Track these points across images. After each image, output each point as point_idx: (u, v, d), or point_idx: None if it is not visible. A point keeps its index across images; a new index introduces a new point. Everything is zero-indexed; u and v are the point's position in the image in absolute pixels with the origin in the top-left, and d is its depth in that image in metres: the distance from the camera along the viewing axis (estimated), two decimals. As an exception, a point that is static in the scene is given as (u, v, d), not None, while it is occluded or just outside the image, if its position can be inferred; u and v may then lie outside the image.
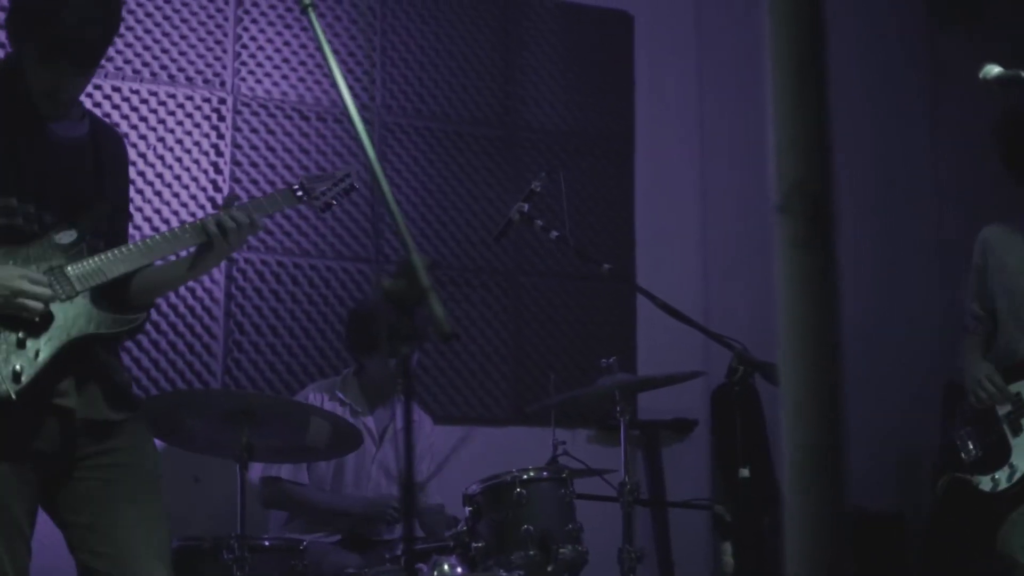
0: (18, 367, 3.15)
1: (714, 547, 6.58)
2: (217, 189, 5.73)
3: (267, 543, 4.49)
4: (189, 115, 5.73)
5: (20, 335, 3.19)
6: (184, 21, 5.77)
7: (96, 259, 3.37)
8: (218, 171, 5.76)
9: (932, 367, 7.03)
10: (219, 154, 5.77)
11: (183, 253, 3.64)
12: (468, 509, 4.43)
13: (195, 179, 5.70)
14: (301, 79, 6.01)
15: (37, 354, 3.21)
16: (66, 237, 3.35)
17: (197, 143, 5.73)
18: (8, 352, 3.16)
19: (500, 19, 6.56)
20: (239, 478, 4.12)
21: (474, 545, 4.33)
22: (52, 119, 3.42)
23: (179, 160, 5.69)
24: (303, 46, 6.04)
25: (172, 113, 5.69)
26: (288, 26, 6.02)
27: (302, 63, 6.02)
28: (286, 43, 6.01)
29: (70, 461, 3.30)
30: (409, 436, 2.36)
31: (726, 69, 7.01)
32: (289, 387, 5.68)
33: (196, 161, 5.71)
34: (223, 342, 5.65)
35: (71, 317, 3.28)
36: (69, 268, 3.30)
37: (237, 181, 5.78)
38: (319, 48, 2.60)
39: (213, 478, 5.46)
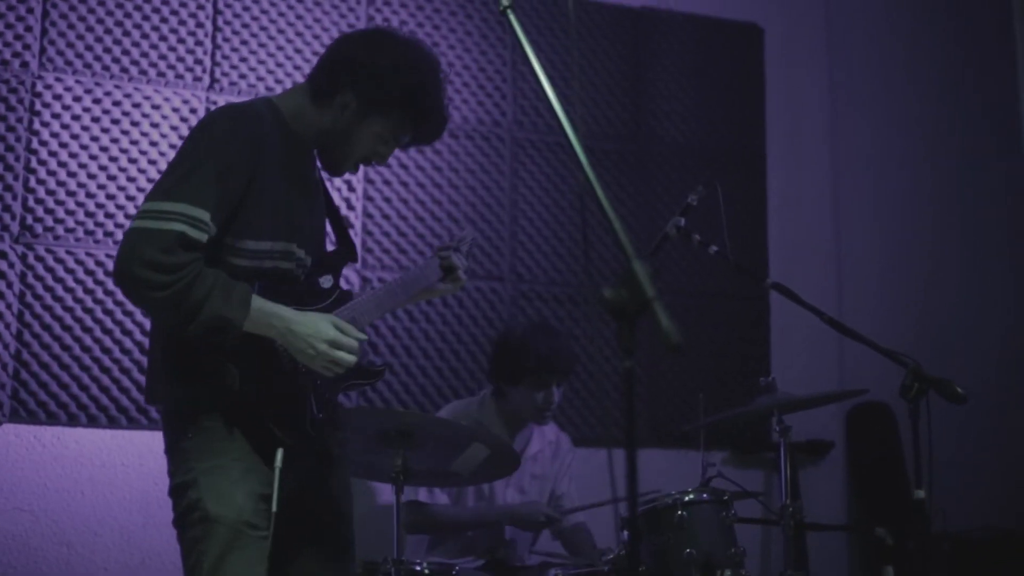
0: (316, 410, 3.26)
1: (853, 571, 6.43)
2: (350, 207, 5.66)
3: (418, 567, 4.38)
4: (322, 131, 5.66)
5: (318, 380, 3.26)
6: (316, 37, 5.70)
7: (353, 306, 3.42)
8: (351, 189, 5.70)
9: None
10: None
11: None
12: (626, 532, 4.30)
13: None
14: (433, 95, 5.94)
15: (327, 400, 3.31)
16: (326, 282, 3.39)
17: (329, 161, 5.66)
18: (308, 393, 3.23)
19: (630, 33, 6.45)
20: (395, 501, 4.02)
21: (634, 569, 4.20)
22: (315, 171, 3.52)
23: (312, 177, 5.62)
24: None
25: (305, 130, 5.63)
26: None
27: (433, 79, 5.95)
28: (418, 58, 5.93)
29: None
30: (633, 468, 2.25)
31: (858, 81, 6.88)
32: (424, 407, 5.60)
33: (328, 180, 5.63)
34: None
35: None
36: (333, 316, 3.31)
37: (370, 199, 5.72)
38: (523, 55, 2.50)
39: (357, 502, 5.37)
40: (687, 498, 4.25)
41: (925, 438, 3.94)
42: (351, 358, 3.23)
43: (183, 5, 5.53)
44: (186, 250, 3.01)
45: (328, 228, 3.62)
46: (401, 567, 3.98)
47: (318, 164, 3.53)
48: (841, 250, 6.79)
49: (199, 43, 5.53)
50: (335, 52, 3.44)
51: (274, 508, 3.06)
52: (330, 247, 3.60)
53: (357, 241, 5.64)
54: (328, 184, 5.52)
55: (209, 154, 3.14)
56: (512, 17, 2.62)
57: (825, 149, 6.85)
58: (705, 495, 4.33)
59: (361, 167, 3.61)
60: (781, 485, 4.41)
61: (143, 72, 5.41)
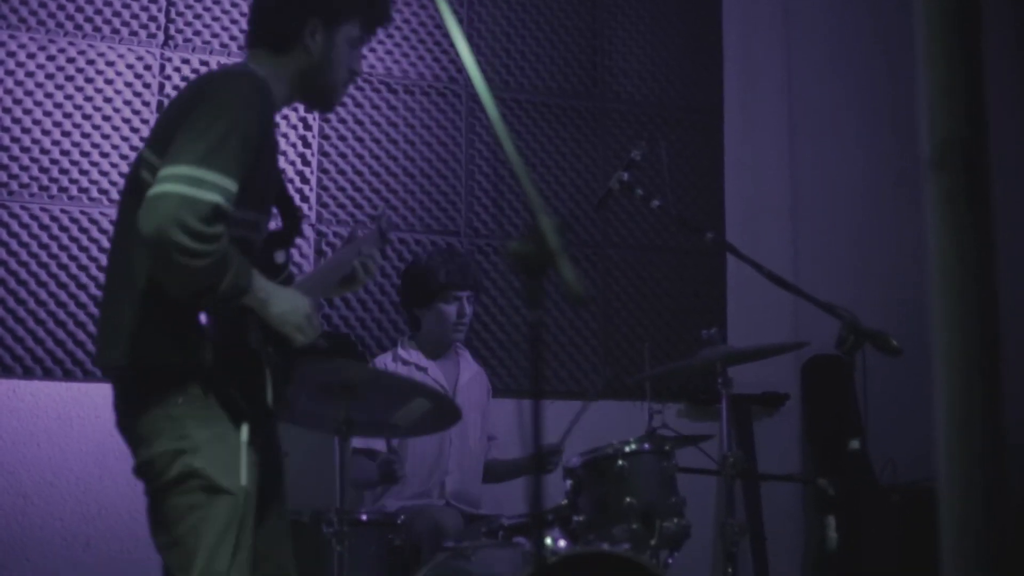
0: (277, 386, 3.21)
1: (805, 521, 6.51)
2: (306, 163, 5.71)
3: (364, 517, 4.45)
4: (277, 88, 5.69)
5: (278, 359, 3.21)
6: (271, -6, 5.72)
7: (299, 284, 3.42)
8: (307, 144, 5.73)
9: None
10: (307, 127, 5.74)
11: None
12: (569, 482, 4.37)
13: (283, 153, 5.66)
14: (388, 52, 5.98)
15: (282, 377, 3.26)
16: (280, 257, 3.35)
17: (285, 116, 5.70)
18: (267, 370, 3.18)
19: (587, -11, 6.49)
20: (337, 452, 4.07)
21: (575, 519, 4.27)
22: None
23: (267, 134, 5.65)
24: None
25: (260, 86, 5.65)
26: (374, -2, 5.97)
27: (389, 36, 5.98)
28: (372, 15, 5.95)
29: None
30: (538, 418, 2.29)
31: (815, 37, 6.92)
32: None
33: (284, 135, 5.69)
34: (314, 317, 5.62)
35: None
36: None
37: (326, 155, 5.76)
38: (440, 14, 2.50)
39: (302, 452, 5.44)
40: (627, 448, 4.31)
41: (862, 390, 4.02)
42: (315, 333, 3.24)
43: (137, -39, 5.55)
44: (220, 222, 2.93)
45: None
46: (344, 517, 4.03)
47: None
48: (797, 207, 6.84)
49: (153, 0, 5.55)
50: None
51: (243, 483, 3.05)
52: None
53: (312, 196, 5.68)
54: (281, 139, 5.62)
55: (238, 122, 3.04)
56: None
57: (782, 106, 6.89)
58: (646, 445, 4.39)
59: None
60: (723, 436, 4.47)
61: (97, 29, 5.44)
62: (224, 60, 5.56)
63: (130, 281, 3.15)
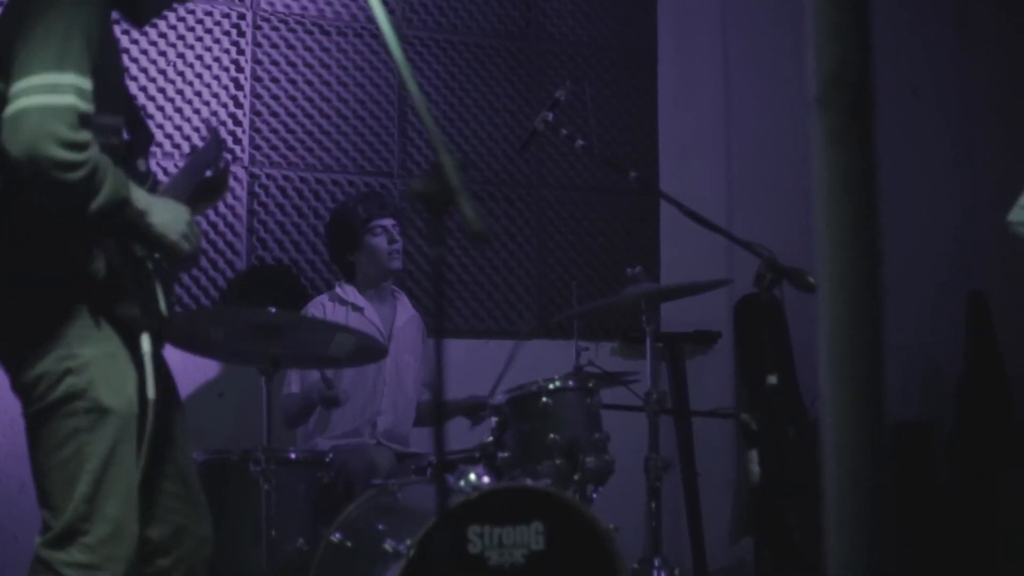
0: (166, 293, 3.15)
1: (738, 457, 6.60)
2: (238, 105, 5.70)
3: (293, 456, 4.51)
4: (209, 30, 5.68)
5: (163, 264, 3.16)
6: (202, -65, 5.71)
7: (165, 191, 3.34)
8: (239, 87, 5.73)
9: (955, 277, 7.00)
10: (239, 70, 5.74)
11: None
12: (494, 419, 4.44)
13: (216, 95, 5.67)
14: (321, -7, 5.97)
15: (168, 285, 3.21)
16: (142, 165, 3.22)
17: (217, 59, 5.69)
18: (155, 277, 3.12)
19: (520, -71, 6.48)
20: (265, 391, 4.11)
21: (500, 455, 4.35)
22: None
23: (199, 76, 5.65)
24: (322, -41, 5.99)
25: (192, 29, 5.64)
26: (306, -61, 5.97)
27: (321, -23, 5.98)
28: (305, -44, 5.96)
29: None
30: (440, 347, 2.33)
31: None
32: (308, 298, 5.65)
33: (216, 77, 5.68)
34: (246, 258, 5.64)
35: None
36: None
37: (258, 97, 5.75)
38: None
39: (237, 393, 5.49)
40: (551, 386, 4.39)
41: (778, 329, 4.09)
42: (197, 241, 3.21)
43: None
44: (84, 126, 2.81)
45: None
46: (272, 455, 4.07)
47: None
48: (732, 146, 6.88)
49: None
50: None
51: (151, 395, 3.02)
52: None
53: (244, 138, 5.70)
54: (213, 81, 5.63)
55: (76, 18, 2.90)
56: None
57: (717, 44, 6.91)
58: (571, 382, 4.47)
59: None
60: (647, 373, 4.53)
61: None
62: (169, 13, 5.53)
63: None
